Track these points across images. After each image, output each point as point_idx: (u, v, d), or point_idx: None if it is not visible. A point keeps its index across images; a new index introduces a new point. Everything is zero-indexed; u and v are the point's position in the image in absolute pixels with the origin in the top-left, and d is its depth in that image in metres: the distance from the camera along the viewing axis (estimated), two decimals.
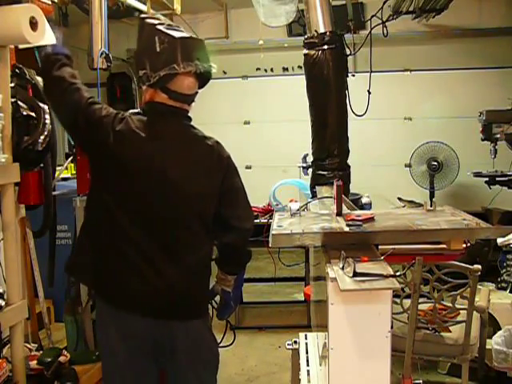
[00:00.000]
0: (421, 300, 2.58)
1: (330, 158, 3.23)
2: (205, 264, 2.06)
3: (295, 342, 2.61)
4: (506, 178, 4.41)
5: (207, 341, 2.08)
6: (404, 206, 4.35)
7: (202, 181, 1.99)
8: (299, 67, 3.60)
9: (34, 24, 2.03)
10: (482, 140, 4.24)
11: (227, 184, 2.04)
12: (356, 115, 3.45)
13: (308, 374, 2.23)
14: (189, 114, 2.05)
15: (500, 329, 3.07)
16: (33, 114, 2.34)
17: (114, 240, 1.93)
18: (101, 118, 1.93)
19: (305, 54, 3.26)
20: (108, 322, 1.99)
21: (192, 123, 2.06)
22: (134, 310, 1.93)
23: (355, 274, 1.53)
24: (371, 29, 3.68)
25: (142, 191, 1.94)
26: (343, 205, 2.15)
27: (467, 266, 2.59)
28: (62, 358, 2.38)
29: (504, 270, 3.68)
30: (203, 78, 2.02)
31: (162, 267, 1.92)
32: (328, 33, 3.19)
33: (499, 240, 3.35)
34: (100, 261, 1.97)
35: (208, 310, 2.13)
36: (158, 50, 1.92)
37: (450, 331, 2.75)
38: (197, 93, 2.03)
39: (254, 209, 4.49)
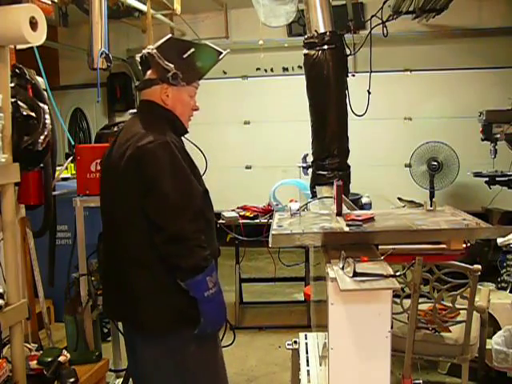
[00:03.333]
0: (421, 300, 2.58)
1: (329, 158, 3.22)
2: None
3: (295, 342, 2.61)
4: (506, 178, 4.42)
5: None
6: (404, 206, 4.34)
7: None
8: (299, 67, 3.59)
9: (33, 24, 2.03)
10: (482, 140, 4.24)
11: None
12: (356, 115, 3.44)
13: (308, 374, 2.23)
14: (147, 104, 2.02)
15: (500, 329, 3.07)
16: (33, 114, 2.33)
17: None
18: None
19: (305, 54, 3.26)
20: None
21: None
22: None
23: (355, 274, 1.53)
24: (371, 29, 3.67)
25: None
26: (343, 205, 2.14)
27: (467, 266, 2.59)
28: (62, 358, 2.37)
29: (504, 270, 3.68)
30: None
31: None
32: (328, 33, 3.18)
33: (499, 240, 3.35)
34: None
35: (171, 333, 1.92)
36: None
37: (450, 331, 2.76)
38: (147, 80, 2.00)
39: (253, 209, 4.51)
